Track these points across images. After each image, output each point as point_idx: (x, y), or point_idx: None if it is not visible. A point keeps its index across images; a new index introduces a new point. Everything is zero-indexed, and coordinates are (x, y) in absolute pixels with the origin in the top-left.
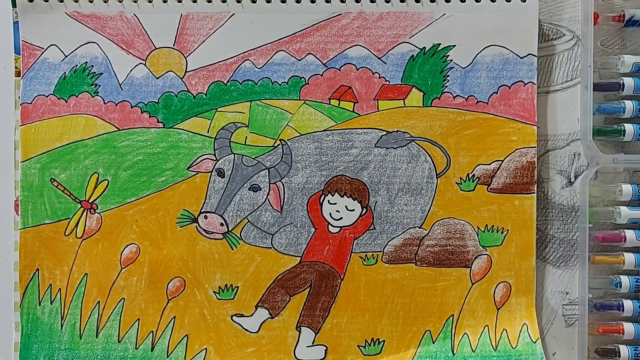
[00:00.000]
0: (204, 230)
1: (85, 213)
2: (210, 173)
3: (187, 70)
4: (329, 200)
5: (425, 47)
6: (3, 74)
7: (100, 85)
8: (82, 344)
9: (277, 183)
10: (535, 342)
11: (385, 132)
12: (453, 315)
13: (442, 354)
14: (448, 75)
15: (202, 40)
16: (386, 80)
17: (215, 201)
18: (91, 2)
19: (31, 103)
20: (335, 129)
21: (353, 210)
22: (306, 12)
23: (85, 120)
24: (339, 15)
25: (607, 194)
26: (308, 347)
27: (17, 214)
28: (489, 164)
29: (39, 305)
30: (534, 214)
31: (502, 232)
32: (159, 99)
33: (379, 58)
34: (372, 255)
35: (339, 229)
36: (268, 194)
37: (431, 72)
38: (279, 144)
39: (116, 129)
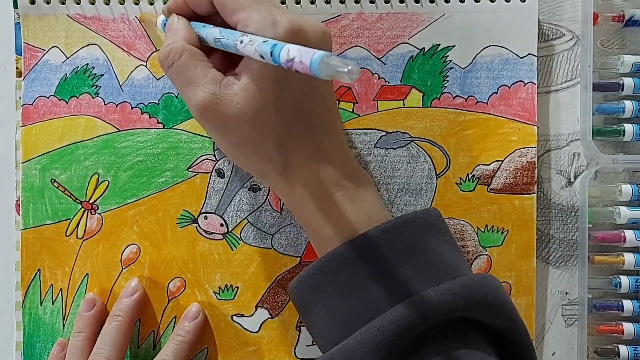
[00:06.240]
0: (204, 230)
1: (85, 214)
2: (210, 173)
3: None
4: None
5: (424, 48)
6: (4, 75)
7: (100, 87)
8: None
9: None
10: None
11: (384, 133)
12: None
13: None
14: (447, 76)
15: None
16: (386, 81)
17: (215, 202)
18: (92, 4)
19: (32, 104)
20: None
21: None
22: (306, 13)
23: (86, 121)
24: (338, 16)
25: (607, 194)
26: (308, 346)
27: (19, 214)
28: (489, 164)
29: (41, 305)
30: (534, 214)
31: (502, 233)
32: (159, 100)
33: (379, 59)
34: None
35: None
36: (268, 194)
37: (431, 72)
38: None
39: (116, 130)
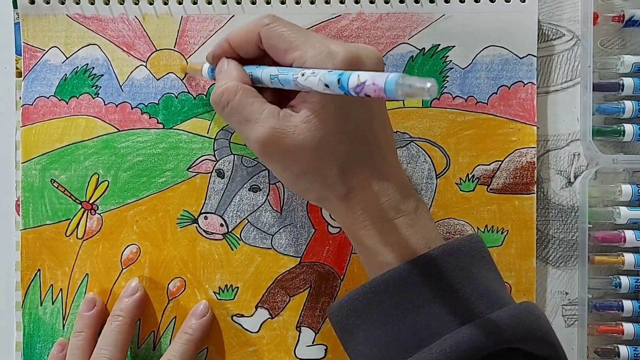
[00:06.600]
0: (204, 230)
1: (85, 214)
2: (210, 174)
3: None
4: None
5: (424, 48)
6: (4, 75)
7: (100, 87)
8: None
9: (277, 183)
10: None
11: None
12: None
13: None
14: (447, 76)
15: (202, 42)
16: None
17: (215, 202)
18: (92, 4)
19: (32, 104)
20: None
21: None
22: (306, 13)
23: (86, 121)
24: (338, 16)
25: (607, 194)
26: (308, 346)
27: (18, 215)
28: (489, 165)
29: (41, 305)
30: (534, 214)
31: (502, 233)
32: (159, 100)
33: None
34: None
35: (338, 229)
36: (268, 194)
37: (431, 72)
38: None
39: (116, 130)
